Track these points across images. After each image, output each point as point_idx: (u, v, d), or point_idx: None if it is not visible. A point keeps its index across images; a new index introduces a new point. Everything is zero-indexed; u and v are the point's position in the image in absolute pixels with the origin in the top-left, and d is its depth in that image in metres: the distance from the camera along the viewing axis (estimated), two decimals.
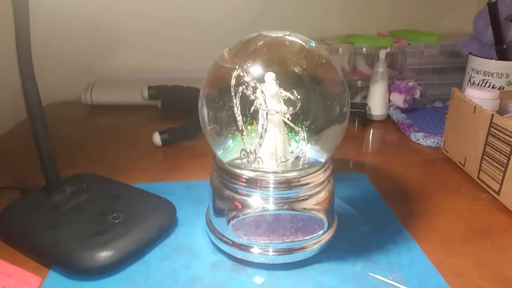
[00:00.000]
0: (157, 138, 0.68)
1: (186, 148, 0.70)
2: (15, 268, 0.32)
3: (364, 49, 0.84)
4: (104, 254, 0.41)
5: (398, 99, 0.82)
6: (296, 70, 0.40)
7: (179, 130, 0.70)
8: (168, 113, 0.85)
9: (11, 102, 0.92)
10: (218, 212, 0.44)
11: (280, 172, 0.41)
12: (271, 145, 0.41)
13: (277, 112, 0.40)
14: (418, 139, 0.72)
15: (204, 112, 0.43)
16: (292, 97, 0.40)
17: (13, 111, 0.91)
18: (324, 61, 0.43)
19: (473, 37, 0.78)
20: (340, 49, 0.83)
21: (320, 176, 0.42)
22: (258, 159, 0.41)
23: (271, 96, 0.39)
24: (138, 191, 0.52)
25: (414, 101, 0.85)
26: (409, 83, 0.82)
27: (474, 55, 0.76)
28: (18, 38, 0.42)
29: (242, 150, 0.41)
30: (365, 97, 0.85)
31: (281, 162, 0.41)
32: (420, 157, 0.68)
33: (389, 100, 0.82)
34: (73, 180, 0.53)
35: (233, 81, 0.39)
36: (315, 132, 0.42)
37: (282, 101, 0.40)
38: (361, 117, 0.79)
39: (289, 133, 0.43)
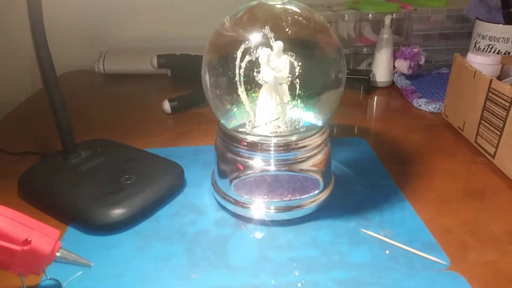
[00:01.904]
0: (167, 106, 0.71)
1: (195, 115, 0.73)
2: (37, 222, 0.36)
3: (370, 15, 0.84)
4: (118, 211, 0.45)
5: (403, 65, 0.82)
6: (293, 37, 0.41)
7: (187, 97, 0.73)
8: (177, 81, 0.87)
9: (28, 71, 0.96)
10: (222, 174, 0.47)
11: (278, 136, 0.44)
12: (270, 112, 0.44)
13: (268, 81, 0.42)
14: (420, 105, 0.74)
15: (206, 79, 0.45)
16: (294, 62, 0.42)
17: (30, 80, 0.95)
18: (320, 28, 0.45)
19: (481, 1, 0.77)
20: (346, 15, 0.84)
21: (316, 140, 0.45)
22: (254, 125, 0.43)
23: (273, 64, 0.41)
24: (149, 155, 0.55)
25: (419, 67, 0.85)
26: (414, 49, 0.82)
27: (481, 20, 0.76)
28: (30, 9, 0.45)
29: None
30: (370, 64, 0.86)
31: (275, 130, 0.44)
32: (421, 123, 0.70)
33: (394, 66, 0.83)
34: (88, 144, 0.57)
35: (238, 53, 0.41)
36: (311, 97, 0.44)
37: (287, 67, 0.42)
38: (365, 83, 0.81)
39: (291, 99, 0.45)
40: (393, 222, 0.46)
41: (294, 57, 0.41)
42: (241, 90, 0.42)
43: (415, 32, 0.87)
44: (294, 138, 0.44)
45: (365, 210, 0.48)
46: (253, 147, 0.44)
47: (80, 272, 0.40)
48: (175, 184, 0.51)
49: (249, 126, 0.44)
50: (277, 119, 0.44)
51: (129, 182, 0.49)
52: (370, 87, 0.81)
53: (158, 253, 0.42)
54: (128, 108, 0.77)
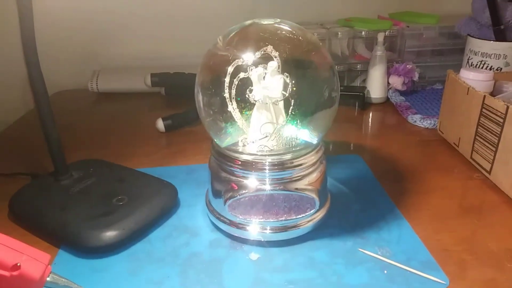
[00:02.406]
0: (160, 124, 0.71)
1: (189, 133, 0.72)
2: (27, 246, 0.35)
3: (363, 32, 0.84)
4: (109, 234, 0.44)
5: (397, 81, 0.83)
6: (286, 57, 0.41)
7: (181, 116, 0.73)
8: (171, 99, 0.87)
9: (20, 91, 0.96)
10: (216, 194, 0.46)
11: (273, 154, 0.43)
12: (259, 131, 0.43)
13: (258, 99, 0.42)
14: (415, 121, 0.74)
15: (199, 99, 0.45)
16: (287, 81, 0.42)
17: (22, 100, 0.95)
18: (313, 47, 0.45)
19: (472, 18, 0.78)
20: (339, 33, 0.84)
21: (312, 158, 0.44)
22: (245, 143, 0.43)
23: (267, 84, 0.41)
24: (141, 175, 0.55)
25: (413, 83, 0.86)
26: (408, 66, 0.83)
27: (472, 36, 0.77)
28: (22, 27, 0.44)
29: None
30: (364, 80, 0.86)
31: (261, 149, 0.43)
32: (416, 139, 0.70)
33: (388, 83, 0.84)
34: (80, 165, 0.56)
35: (230, 69, 0.41)
36: (305, 116, 0.43)
37: (279, 87, 0.42)
38: (360, 100, 0.81)
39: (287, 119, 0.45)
40: (391, 241, 0.45)
41: (288, 77, 0.41)
42: (233, 108, 0.42)
43: (408, 49, 0.87)
44: (288, 156, 0.43)
45: (362, 228, 0.47)
46: (247, 166, 0.43)
47: None
48: (168, 204, 0.50)
49: (241, 143, 0.44)
50: (265, 137, 0.43)
51: (121, 203, 0.48)
52: (365, 103, 0.81)
53: (151, 276, 0.41)
54: (121, 127, 0.77)
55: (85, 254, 0.44)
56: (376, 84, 0.82)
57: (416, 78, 0.84)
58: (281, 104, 0.43)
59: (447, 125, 0.66)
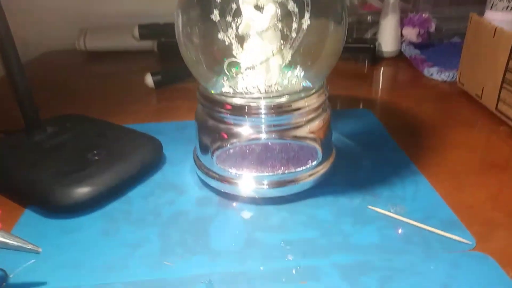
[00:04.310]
0: (149, 80, 0.65)
1: (181, 90, 0.66)
2: None
3: None
4: (81, 191, 0.38)
5: (411, 33, 0.75)
6: None
7: (172, 71, 0.66)
8: (164, 57, 0.80)
9: None
10: (204, 146, 0.40)
11: (268, 96, 0.37)
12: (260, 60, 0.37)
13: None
14: (432, 74, 0.66)
15: (179, 25, 0.38)
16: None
17: None
18: None
19: None
20: None
21: (313, 101, 0.38)
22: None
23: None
24: (124, 129, 0.49)
25: (429, 35, 0.78)
26: (423, 15, 0.75)
27: None
28: None
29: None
30: (375, 33, 0.78)
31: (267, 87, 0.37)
32: (433, 93, 0.63)
33: (401, 35, 0.76)
34: (56, 120, 0.50)
35: None
36: (305, 49, 0.37)
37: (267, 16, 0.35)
38: (370, 53, 0.73)
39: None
40: (405, 198, 0.39)
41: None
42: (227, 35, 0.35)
43: None
44: (284, 99, 0.37)
45: (372, 185, 0.41)
46: (239, 110, 0.37)
47: (33, 261, 0.33)
48: (151, 160, 0.44)
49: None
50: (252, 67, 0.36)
51: (97, 158, 0.42)
52: (376, 57, 0.74)
53: (127, 239, 0.35)
54: (109, 86, 0.70)
55: (53, 214, 0.38)
56: (388, 36, 0.74)
57: (432, 29, 0.76)
58: (271, 32, 0.36)
59: (469, 75, 0.59)
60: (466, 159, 0.46)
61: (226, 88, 0.37)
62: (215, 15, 0.34)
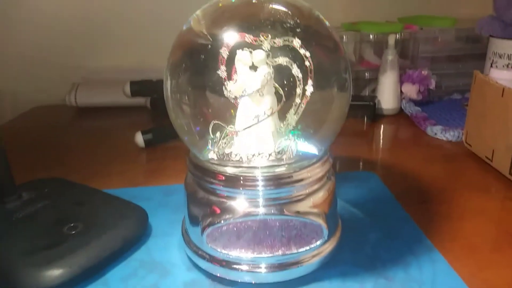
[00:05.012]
0: (139, 138, 0.61)
1: (172, 148, 0.62)
2: None
3: (371, 36, 0.75)
4: (51, 273, 0.33)
5: (411, 90, 0.73)
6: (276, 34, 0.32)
7: (164, 129, 0.63)
8: (157, 114, 0.77)
9: None
10: (194, 220, 0.36)
11: (266, 166, 0.33)
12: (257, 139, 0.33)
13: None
14: (435, 133, 0.64)
15: (168, 86, 0.34)
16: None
17: None
18: (313, 20, 0.35)
19: (494, 17, 0.69)
20: (344, 37, 0.75)
21: (317, 170, 0.34)
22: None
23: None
24: (105, 196, 0.44)
25: (429, 92, 0.76)
26: (423, 72, 0.73)
27: (496, 37, 0.68)
28: None
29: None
30: (373, 90, 0.76)
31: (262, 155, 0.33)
32: (438, 153, 0.59)
33: (401, 92, 0.74)
34: (33, 185, 0.46)
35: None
36: (309, 116, 0.33)
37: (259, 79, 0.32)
38: (370, 111, 0.71)
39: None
40: (424, 282, 0.34)
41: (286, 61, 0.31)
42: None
43: (422, 54, 0.78)
44: (284, 168, 0.33)
45: (384, 265, 0.36)
46: (233, 182, 0.33)
47: None
48: (134, 234, 0.39)
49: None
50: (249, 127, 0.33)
51: (73, 232, 0.37)
52: (376, 115, 0.71)
53: None
54: (98, 143, 0.67)
55: None
56: (387, 93, 0.72)
57: (432, 86, 0.74)
58: (268, 96, 0.33)
59: (476, 136, 0.56)
60: (484, 231, 0.42)
61: (211, 155, 0.34)
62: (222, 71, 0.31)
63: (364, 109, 0.71)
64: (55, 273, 0.33)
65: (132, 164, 0.58)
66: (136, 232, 0.39)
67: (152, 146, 0.62)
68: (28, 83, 0.87)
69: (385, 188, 0.49)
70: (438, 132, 0.63)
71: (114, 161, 0.59)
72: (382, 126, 0.71)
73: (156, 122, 0.74)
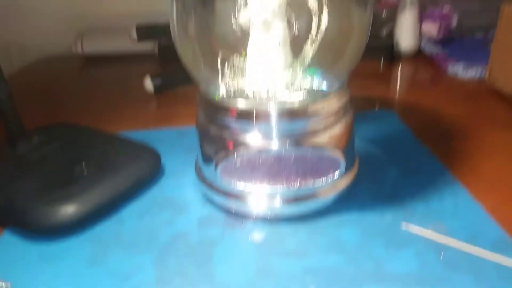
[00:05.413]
0: (148, 83, 0.59)
1: (183, 95, 0.61)
2: None
3: None
4: (65, 210, 0.33)
5: (432, 29, 0.69)
6: None
7: (173, 74, 0.61)
8: (166, 60, 0.75)
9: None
10: (207, 157, 0.35)
11: (281, 99, 0.31)
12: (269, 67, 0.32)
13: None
14: (457, 71, 0.60)
15: (174, 13, 0.33)
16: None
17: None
18: None
19: None
20: None
21: (332, 104, 0.32)
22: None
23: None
24: (118, 138, 0.43)
25: (450, 31, 0.72)
26: (444, 10, 0.69)
27: None
28: None
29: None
30: (391, 31, 0.72)
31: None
32: (460, 92, 0.57)
33: (421, 31, 0.70)
34: (44, 130, 0.45)
35: None
36: (323, 43, 0.31)
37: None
38: (387, 52, 0.68)
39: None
40: (444, 212, 0.33)
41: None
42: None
43: None
44: (300, 100, 0.31)
45: (404, 198, 0.35)
46: (246, 115, 0.32)
47: None
48: (147, 173, 0.39)
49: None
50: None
51: (85, 172, 0.37)
52: (393, 55, 0.68)
53: (117, 267, 0.30)
54: (106, 91, 0.65)
55: (33, 237, 0.33)
56: (406, 33, 0.69)
57: (454, 24, 0.70)
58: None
59: (502, 72, 0.53)
60: (508, 166, 0.40)
61: (222, 90, 0.32)
62: None
63: (381, 50, 0.68)
64: (69, 209, 0.33)
65: (143, 109, 0.57)
66: (149, 172, 0.39)
67: (162, 92, 0.61)
68: (33, 34, 0.85)
69: (404, 126, 0.47)
70: (460, 70, 0.60)
71: (124, 107, 0.58)
72: (400, 67, 0.67)
73: (165, 68, 0.72)
